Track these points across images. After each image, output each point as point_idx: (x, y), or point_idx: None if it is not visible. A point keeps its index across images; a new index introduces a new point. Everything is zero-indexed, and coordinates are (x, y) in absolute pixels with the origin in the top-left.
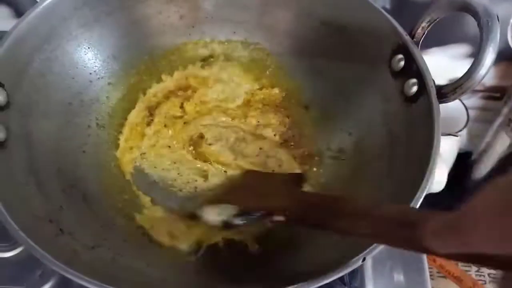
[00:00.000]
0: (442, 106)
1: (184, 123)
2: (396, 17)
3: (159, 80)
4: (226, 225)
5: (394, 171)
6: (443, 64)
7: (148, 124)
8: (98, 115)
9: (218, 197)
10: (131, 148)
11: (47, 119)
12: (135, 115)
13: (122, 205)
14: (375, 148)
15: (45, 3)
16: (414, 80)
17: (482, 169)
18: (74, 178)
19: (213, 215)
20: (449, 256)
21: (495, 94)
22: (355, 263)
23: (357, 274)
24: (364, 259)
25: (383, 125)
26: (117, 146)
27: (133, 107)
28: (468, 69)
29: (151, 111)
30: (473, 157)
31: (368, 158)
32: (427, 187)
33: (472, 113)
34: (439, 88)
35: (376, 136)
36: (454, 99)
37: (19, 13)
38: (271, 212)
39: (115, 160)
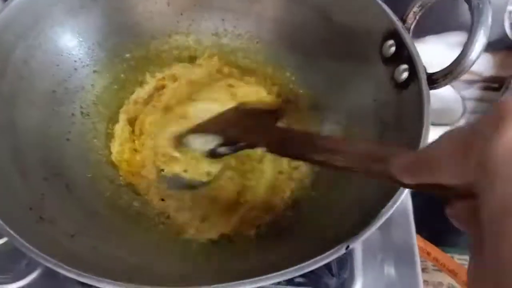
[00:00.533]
0: (439, 96)
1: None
2: (391, 2)
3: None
4: (212, 154)
5: None
6: (439, 52)
7: (133, 140)
8: (82, 103)
9: (203, 127)
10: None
11: (31, 107)
12: (121, 129)
13: (110, 193)
14: (365, 137)
15: None
16: (405, 66)
17: None
18: (58, 166)
19: (199, 143)
20: (413, 186)
21: (493, 85)
22: (338, 251)
23: (346, 265)
24: (347, 247)
25: (374, 112)
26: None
27: (119, 96)
28: (459, 54)
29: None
30: None
31: None
32: None
33: (469, 104)
34: (430, 74)
35: (366, 125)
36: (445, 84)
37: None
38: (253, 143)
39: (107, 153)
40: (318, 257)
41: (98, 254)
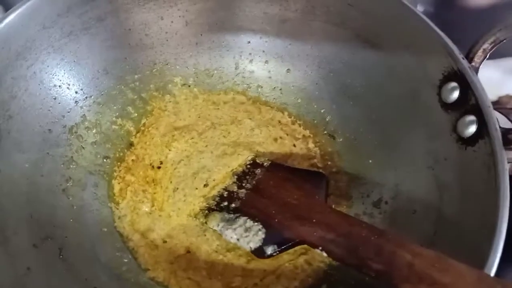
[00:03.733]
0: None
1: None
2: (440, 24)
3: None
4: (258, 254)
5: (442, 233)
6: (494, 79)
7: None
8: (83, 143)
9: (232, 205)
10: None
11: (20, 152)
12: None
13: (110, 260)
14: (417, 201)
15: (18, 10)
16: (471, 118)
17: None
18: (50, 226)
19: (238, 236)
20: None
21: None
22: None
23: None
24: None
25: (428, 169)
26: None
27: (127, 135)
28: None
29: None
30: None
31: (409, 213)
32: (495, 264)
33: None
34: (505, 132)
35: (419, 184)
36: None
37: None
38: (310, 241)
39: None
40: None
41: None
